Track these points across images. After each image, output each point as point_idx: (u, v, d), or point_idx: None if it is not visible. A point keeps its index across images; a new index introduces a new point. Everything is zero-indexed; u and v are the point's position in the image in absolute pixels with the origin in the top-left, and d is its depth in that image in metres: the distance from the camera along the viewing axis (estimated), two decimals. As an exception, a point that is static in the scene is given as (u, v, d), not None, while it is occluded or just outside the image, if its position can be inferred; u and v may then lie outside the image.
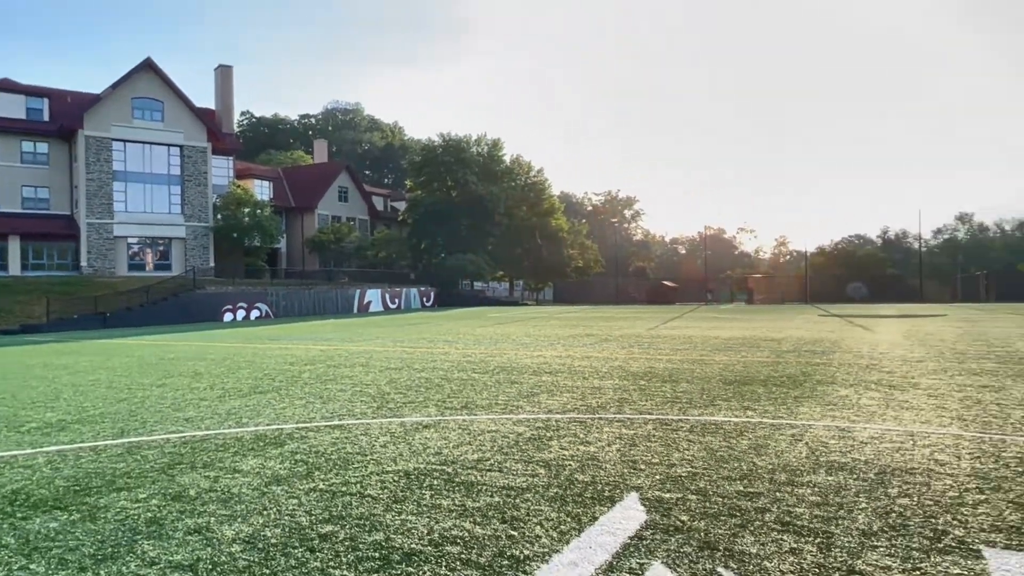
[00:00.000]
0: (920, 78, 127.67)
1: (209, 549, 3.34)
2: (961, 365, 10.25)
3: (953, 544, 3.24)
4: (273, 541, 3.43)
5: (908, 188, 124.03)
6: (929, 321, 22.45)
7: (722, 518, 3.64)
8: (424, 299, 47.65)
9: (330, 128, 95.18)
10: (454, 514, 3.78)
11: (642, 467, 4.70)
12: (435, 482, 4.43)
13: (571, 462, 4.87)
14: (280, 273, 48.96)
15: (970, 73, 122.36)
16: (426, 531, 3.52)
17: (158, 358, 13.75)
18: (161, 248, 42.63)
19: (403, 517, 3.75)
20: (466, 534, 3.47)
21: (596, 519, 3.66)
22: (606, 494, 4.11)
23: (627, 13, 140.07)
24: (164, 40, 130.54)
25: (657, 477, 4.45)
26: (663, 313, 32.63)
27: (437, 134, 56.99)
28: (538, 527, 3.55)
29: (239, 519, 3.77)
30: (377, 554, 3.23)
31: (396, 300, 44.61)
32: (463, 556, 3.19)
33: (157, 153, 42.15)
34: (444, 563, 3.11)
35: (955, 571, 2.93)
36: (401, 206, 61.52)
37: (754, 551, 3.18)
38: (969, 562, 3.03)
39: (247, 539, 3.47)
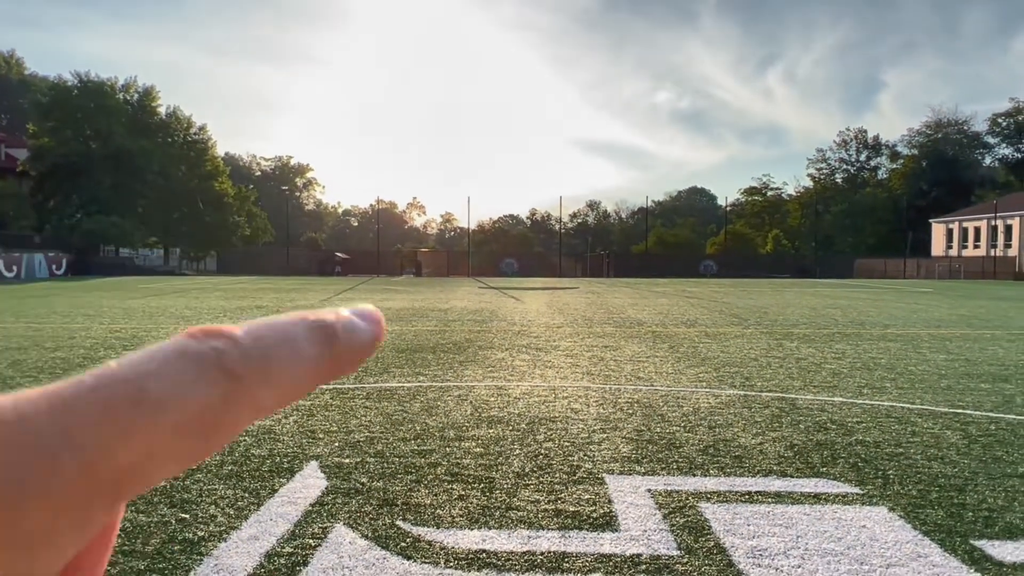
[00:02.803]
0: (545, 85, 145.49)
1: None
2: (589, 329, 12.17)
3: (584, 476, 3.93)
4: None
5: (552, 174, 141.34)
6: (566, 293, 26.03)
7: (399, 476, 3.90)
8: (54, 267, 40.48)
9: (-90, 47, 74.49)
10: (111, 505, 3.42)
11: (321, 436, 4.75)
12: (84, 473, 3.93)
13: (245, 437, 4.71)
14: None
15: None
16: (76, 527, 3.14)
17: None
18: None
19: (45, 515, 3.28)
20: (127, 524, 3.18)
21: (276, 491, 3.63)
22: (285, 466, 4.08)
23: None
24: None
25: (336, 444, 4.55)
26: (336, 285, 32.50)
27: (72, 72, 48.50)
28: (212, 507, 3.40)
29: None
30: (13, 560, 2.79)
31: (14, 267, 37.13)
32: (125, 548, 2.92)
33: None
34: (102, 558, 2.82)
35: (586, 497, 3.57)
36: (21, 154, 51.09)
37: (428, 502, 3.48)
38: (595, 488, 3.71)
39: None
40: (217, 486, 3.71)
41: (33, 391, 0.20)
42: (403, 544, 2.97)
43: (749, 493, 3.65)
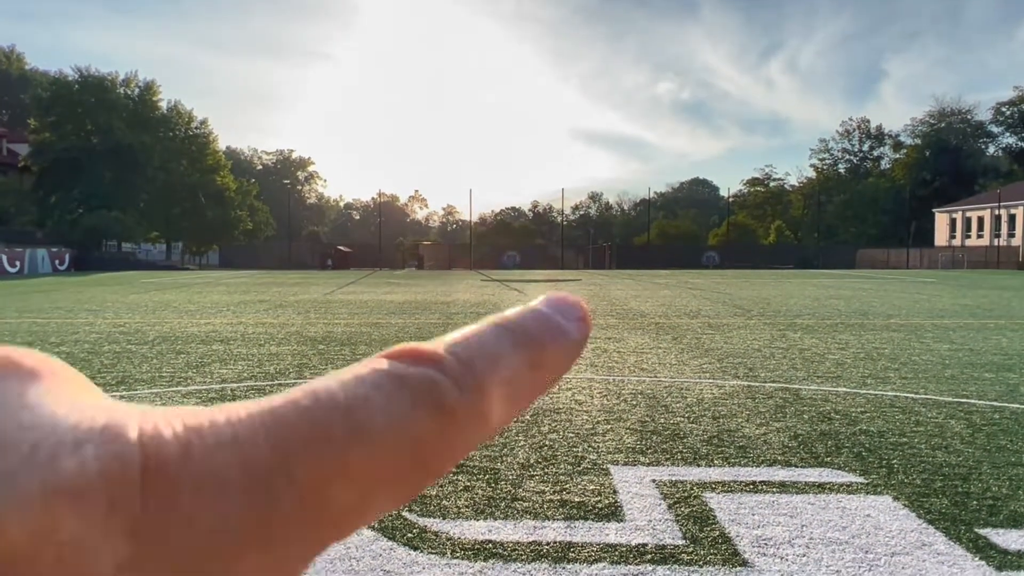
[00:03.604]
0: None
1: None
2: (592, 321, 12.16)
3: (589, 466, 3.94)
4: None
5: (554, 166, 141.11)
6: (567, 285, 26.03)
7: (404, 468, 3.91)
8: (57, 262, 40.57)
9: (-90, 42, 74.37)
10: (119, 497, 3.44)
11: (326, 429, 4.76)
12: (91, 466, 3.95)
13: (251, 430, 4.73)
14: None
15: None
16: (85, 520, 3.15)
17: None
18: None
19: (53, 508, 3.30)
20: (136, 516, 3.19)
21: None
22: (291, 458, 4.09)
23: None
24: None
25: (341, 437, 4.56)
26: (338, 278, 32.53)
27: (72, 67, 48.39)
28: (220, 499, 3.42)
29: None
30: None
31: (17, 263, 37.22)
32: (134, 540, 2.94)
33: None
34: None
35: (591, 487, 3.59)
36: (22, 149, 51.13)
37: (434, 493, 3.49)
38: (600, 479, 3.73)
39: None
40: (224, 478, 3.73)
41: (242, 407, 0.18)
42: (410, 535, 2.99)
43: (754, 483, 3.66)
